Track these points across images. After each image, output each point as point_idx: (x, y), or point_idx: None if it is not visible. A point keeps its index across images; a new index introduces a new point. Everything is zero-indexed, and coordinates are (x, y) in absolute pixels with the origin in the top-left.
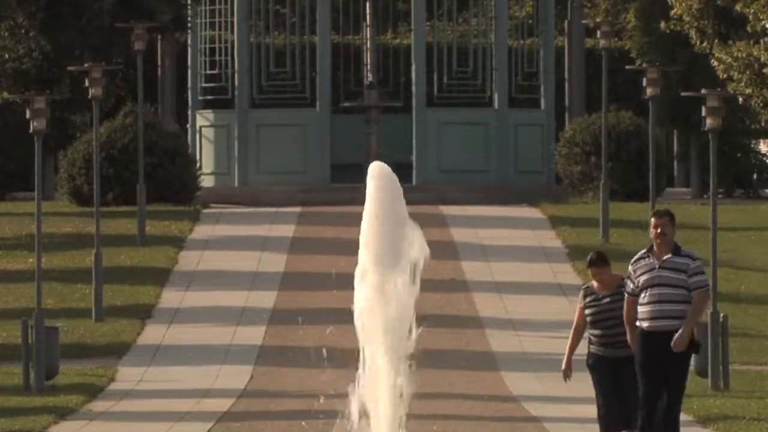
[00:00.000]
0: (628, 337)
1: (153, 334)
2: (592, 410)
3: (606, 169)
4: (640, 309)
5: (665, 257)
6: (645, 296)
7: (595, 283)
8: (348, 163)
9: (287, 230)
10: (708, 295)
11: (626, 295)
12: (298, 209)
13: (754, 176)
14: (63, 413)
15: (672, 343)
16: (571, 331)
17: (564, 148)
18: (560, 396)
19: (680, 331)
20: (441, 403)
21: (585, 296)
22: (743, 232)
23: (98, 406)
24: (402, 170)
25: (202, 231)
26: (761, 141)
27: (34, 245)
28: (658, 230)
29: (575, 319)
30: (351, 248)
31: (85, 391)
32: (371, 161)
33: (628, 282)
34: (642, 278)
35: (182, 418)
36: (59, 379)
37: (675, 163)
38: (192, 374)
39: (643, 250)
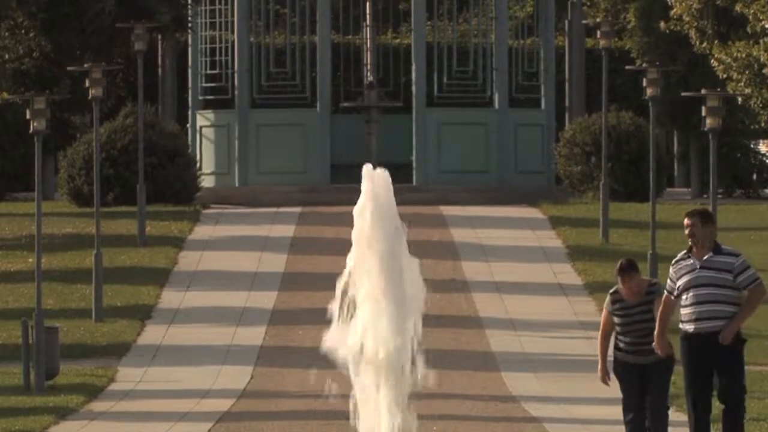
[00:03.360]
0: (656, 333)
1: (153, 334)
2: (592, 410)
3: (606, 169)
4: (682, 311)
5: (705, 257)
6: (687, 298)
7: (623, 290)
8: (348, 163)
9: (287, 230)
10: (763, 288)
11: (665, 293)
12: (298, 209)
13: (754, 176)
14: (63, 413)
15: (720, 337)
16: (600, 336)
17: (564, 149)
18: (560, 396)
19: (729, 323)
20: (441, 403)
21: (613, 302)
22: (743, 232)
23: (98, 406)
24: (402, 171)
25: (202, 231)
26: (761, 141)
27: (34, 245)
28: (687, 231)
29: (602, 323)
30: (350, 248)
31: (85, 391)
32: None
33: (669, 282)
34: (683, 279)
35: (182, 418)
36: (59, 379)
37: (675, 163)
38: (192, 374)
39: (684, 251)
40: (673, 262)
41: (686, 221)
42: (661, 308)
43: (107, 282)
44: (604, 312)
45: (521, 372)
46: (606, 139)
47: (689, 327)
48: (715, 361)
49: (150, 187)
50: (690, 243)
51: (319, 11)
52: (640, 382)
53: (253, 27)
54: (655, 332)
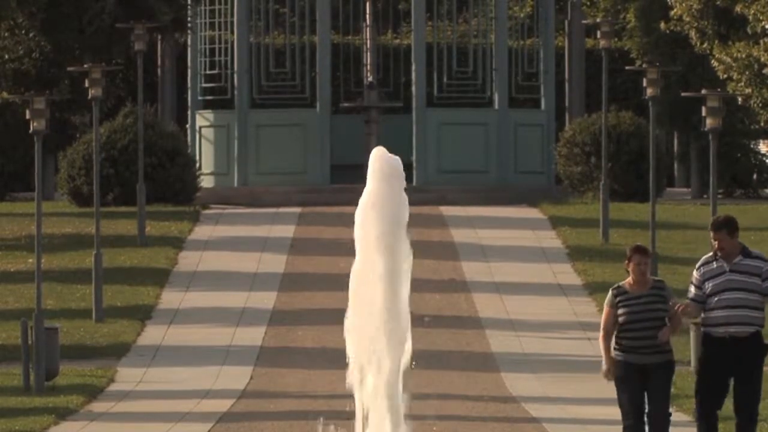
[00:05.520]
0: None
1: (153, 334)
2: (592, 410)
3: (606, 169)
4: (709, 315)
5: (735, 260)
6: (714, 301)
7: (627, 284)
8: (348, 164)
9: (287, 231)
10: None
11: (689, 300)
12: (297, 210)
13: (754, 176)
14: (63, 414)
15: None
16: (602, 335)
17: (564, 149)
18: (560, 397)
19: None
20: (441, 403)
21: (616, 296)
22: (743, 232)
23: (98, 406)
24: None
25: (201, 232)
26: (761, 141)
27: (34, 246)
28: (717, 246)
29: (604, 321)
30: (351, 249)
31: (85, 391)
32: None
33: (692, 287)
34: (710, 283)
35: (182, 418)
36: (59, 379)
37: (675, 163)
38: (192, 375)
39: (709, 254)
40: (697, 265)
41: (713, 234)
42: (683, 312)
43: (107, 282)
44: (606, 310)
45: (521, 372)
46: (606, 139)
47: (717, 330)
48: (736, 367)
49: (150, 187)
50: (719, 254)
51: (319, 11)
52: (641, 385)
53: (253, 27)
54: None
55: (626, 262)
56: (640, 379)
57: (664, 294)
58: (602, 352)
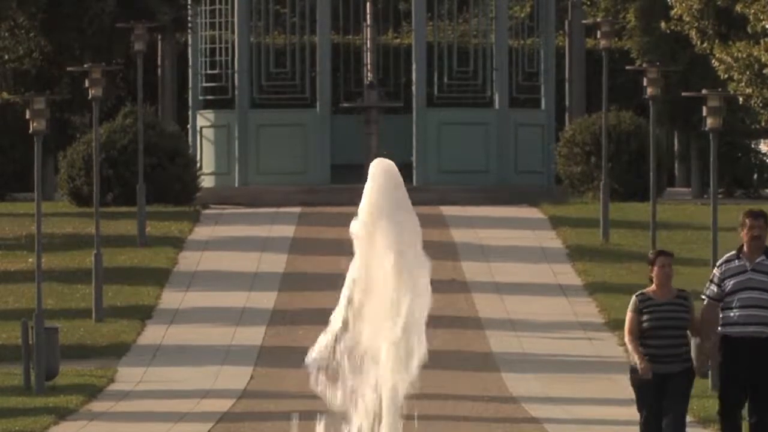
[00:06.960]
0: (699, 344)
1: (153, 334)
2: (592, 410)
3: (606, 169)
4: (726, 314)
5: (758, 260)
6: (734, 300)
7: (651, 290)
8: (348, 163)
9: (287, 231)
10: None
11: (706, 299)
12: (298, 209)
13: (755, 176)
14: (63, 414)
15: None
16: (629, 338)
17: (564, 149)
18: (560, 397)
19: None
20: (441, 403)
21: (640, 302)
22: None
23: (98, 406)
24: (402, 171)
25: (202, 231)
26: (761, 141)
27: (34, 245)
28: (753, 233)
29: (629, 326)
30: (351, 248)
31: (85, 391)
32: (372, 160)
33: (711, 285)
34: (731, 281)
35: (182, 418)
36: (59, 379)
37: (675, 163)
38: (192, 375)
39: (732, 252)
40: (718, 263)
41: (750, 222)
42: (704, 316)
43: (107, 282)
44: (630, 315)
45: (521, 373)
46: (606, 139)
47: (734, 329)
48: (753, 369)
49: (150, 187)
50: (749, 245)
51: (319, 11)
52: (659, 391)
53: (253, 27)
54: (697, 344)
55: (650, 267)
56: (658, 386)
57: (687, 304)
58: (634, 353)
